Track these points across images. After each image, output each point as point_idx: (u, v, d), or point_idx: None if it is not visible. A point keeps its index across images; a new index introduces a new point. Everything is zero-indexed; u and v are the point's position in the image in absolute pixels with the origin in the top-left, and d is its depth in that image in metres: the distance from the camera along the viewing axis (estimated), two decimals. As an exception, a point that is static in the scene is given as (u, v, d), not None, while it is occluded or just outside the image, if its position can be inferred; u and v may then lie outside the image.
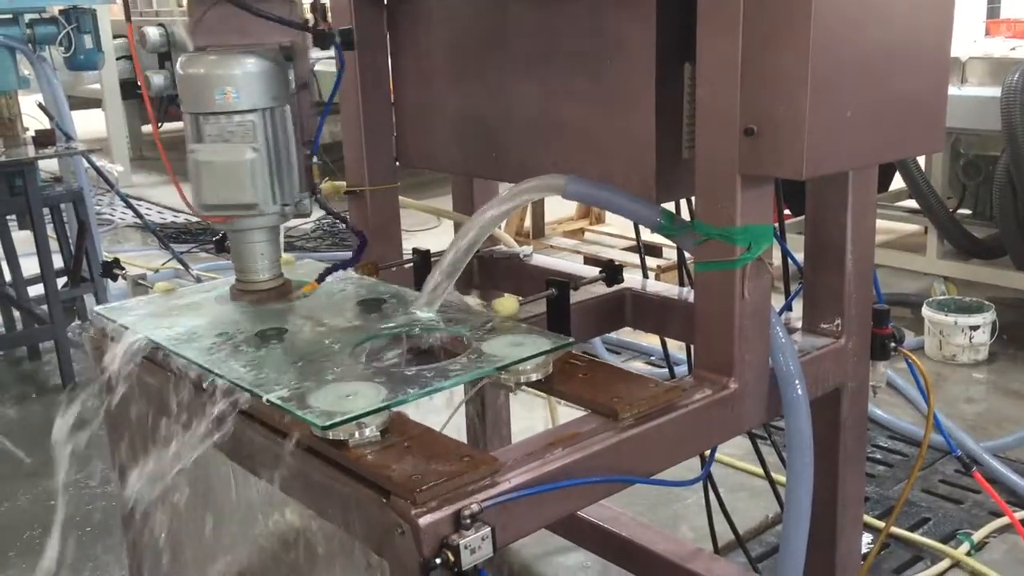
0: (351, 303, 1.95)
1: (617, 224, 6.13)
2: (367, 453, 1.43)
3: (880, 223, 2.25)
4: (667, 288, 2.30)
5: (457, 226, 2.55)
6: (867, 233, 1.93)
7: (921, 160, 4.93)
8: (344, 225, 2.28)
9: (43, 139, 4.28)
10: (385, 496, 1.37)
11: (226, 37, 1.86)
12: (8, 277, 4.48)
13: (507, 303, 1.85)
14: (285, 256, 2.09)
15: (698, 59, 1.63)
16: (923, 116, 1.75)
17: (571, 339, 1.72)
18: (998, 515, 3.01)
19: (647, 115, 1.82)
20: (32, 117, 4.56)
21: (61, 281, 4.62)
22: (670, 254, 5.14)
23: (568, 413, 2.36)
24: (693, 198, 1.74)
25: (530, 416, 3.37)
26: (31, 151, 4.20)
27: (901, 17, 1.65)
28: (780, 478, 2.06)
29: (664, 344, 2.75)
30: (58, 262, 4.58)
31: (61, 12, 4.37)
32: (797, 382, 1.73)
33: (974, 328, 4.22)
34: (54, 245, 4.44)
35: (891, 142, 1.72)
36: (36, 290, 4.44)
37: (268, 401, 1.51)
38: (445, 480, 1.36)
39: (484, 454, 1.46)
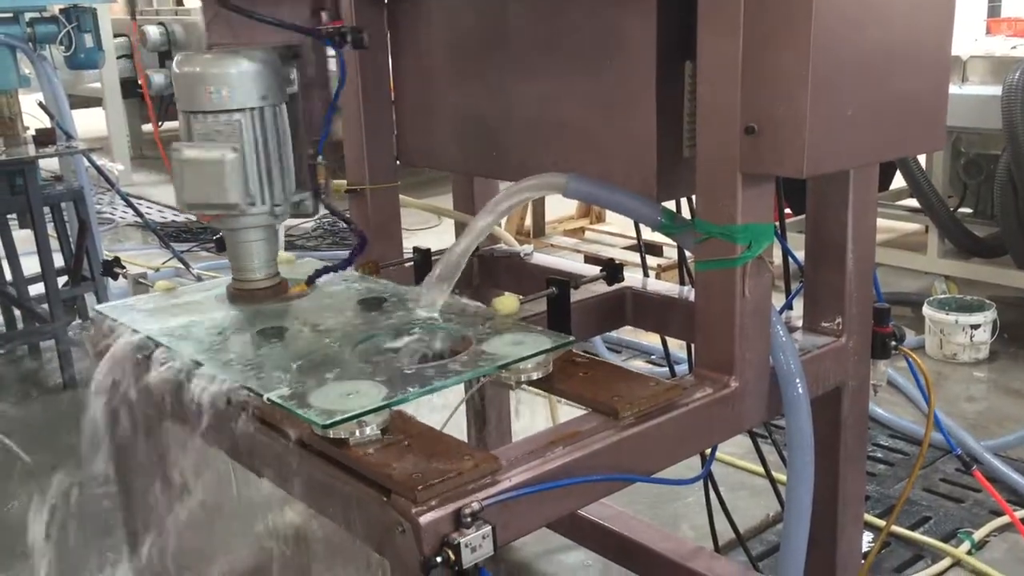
0: (352, 302, 1.95)
1: (617, 223, 6.13)
2: (368, 452, 1.43)
3: (881, 222, 2.25)
4: (668, 287, 2.30)
5: (458, 225, 2.56)
6: (868, 232, 1.93)
7: (922, 159, 4.92)
8: (345, 224, 2.27)
9: (43, 138, 4.27)
10: (386, 495, 1.37)
11: (239, 34, 1.86)
12: (9, 276, 4.47)
13: (507, 302, 1.85)
14: (286, 255, 2.09)
15: (699, 58, 1.63)
16: (924, 115, 1.75)
17: (572, 338, 1.72)
18: (999, 514, 3.01)
19: (648, 114, 1.82)
20: (32, 116, 4.55)
21: (62, 280, 4.61)
22: (671, 253, 5.14)
23: (568, 412, 2.36)
24: (694, 196, 1.74)
25: (531, 415, 3.37)
26: (32, 150, 4.20)
27: (901, 16, 1.65)
28: (781, 477, 2.06)
29: (665, 343, 2.75)
30: (59, 261, 4.57)
31: (62, 11, 4.37)
32: (798, 381, 1.74)
33: (975, 327, 4.22)
34: (55, 244, 4.43)
35: (892, 141, 1.72)
36: (37, 289, 4.43)
37: (269, 400, 1.51)
38: (446, 479, 1.36)
39: (485, 453, 1.46)
